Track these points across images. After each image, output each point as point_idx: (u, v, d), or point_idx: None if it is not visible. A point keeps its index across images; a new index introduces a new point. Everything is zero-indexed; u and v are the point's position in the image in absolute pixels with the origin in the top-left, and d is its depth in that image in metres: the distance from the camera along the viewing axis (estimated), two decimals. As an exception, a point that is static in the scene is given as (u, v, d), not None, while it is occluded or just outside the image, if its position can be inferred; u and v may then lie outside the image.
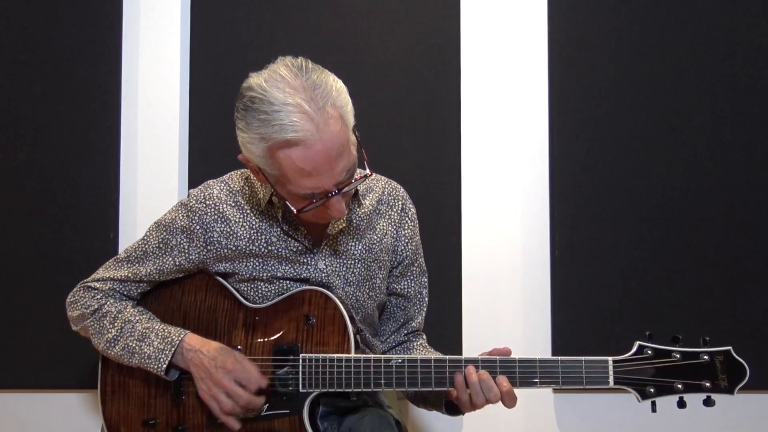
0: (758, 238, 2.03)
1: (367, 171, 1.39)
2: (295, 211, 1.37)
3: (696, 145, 2.05)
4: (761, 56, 2.05)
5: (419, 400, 1.60)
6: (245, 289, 1.53)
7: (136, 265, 1.55)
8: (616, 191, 2.05)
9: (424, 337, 1.69)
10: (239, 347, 1.48)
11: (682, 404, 1.34)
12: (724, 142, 2.04)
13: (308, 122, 1.27)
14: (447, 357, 1.40)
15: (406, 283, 1.64)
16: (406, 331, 1.65)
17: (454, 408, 1.47)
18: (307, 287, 1.49)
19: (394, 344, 1.65)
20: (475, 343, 2.04)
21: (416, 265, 1.66)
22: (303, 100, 1.27)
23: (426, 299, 1.67)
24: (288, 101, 1.27)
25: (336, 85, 1.33)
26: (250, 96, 1.30)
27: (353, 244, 1.55)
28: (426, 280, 1.68)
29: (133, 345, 1.48)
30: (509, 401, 1.37)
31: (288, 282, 1.51)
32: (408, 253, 1.63)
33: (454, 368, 1.38)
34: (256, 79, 1.32)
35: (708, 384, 1.32)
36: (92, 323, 1.53)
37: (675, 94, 2.06)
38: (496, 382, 1.36)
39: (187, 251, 1.52)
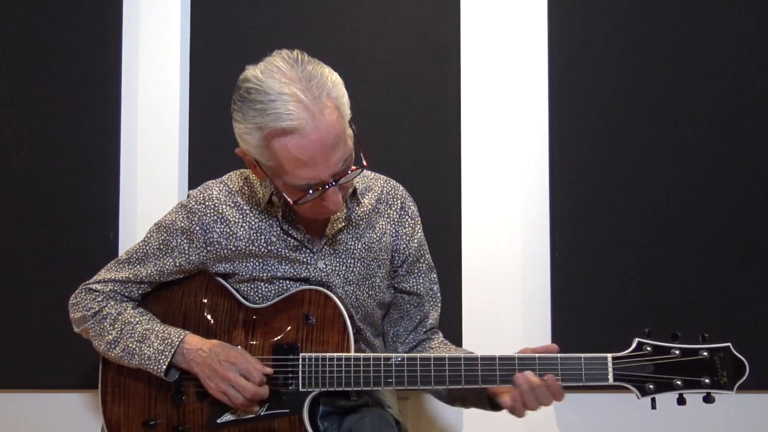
0: (758, 237, 2.03)
1: (364, 163, 1.39)
2: (291, 201, 1.37)
3: (696, 144, 2.05)
4: (762, 56, 2.05)
5: (455, 399, 1.57)
6: (245, 289, 1.53)
7: (137, 266, 1.55)
8: (616, 191, 2.05)
9: (440, 333, 1.68)
10: (239, 347, 1.47)
11: (681, 401, 1.33)
12: (725, 141, 2.04)
13: (304, 111, 1.27)
14: (462, 355, 1.38)
15: (414, 280, 1.64)
16: (424, 329, 1.64)
17: (497, 404, 1.44)
18: (307, 287, 1.49)
19: (414, 344, 1.64)
20: (475, 342, 2.04)
21: (422, 261, 1.65)
22: (299, 89, 1.28)
23: (438, 295, 1.67)
24: (284, 91, 1.28)
25: (332, 77, 1.34)
26: (247, 87, 1.31)
27: (353, 243, 1.55)
28: (435, 276, 1.68)
29: (133, 346, 1.48)
30: (560, 396, 1.36)
31: (288, 282, 1.51)
32: (411, 250, 1.63)
33: (454, 367, 1.38)
34: (252, 71, 1.33)
35: (708, 380, 1.31)
36: (93, 325, 1.54)
37: (675, 94, 2.06)
38: (546, 382, 1.34)
39: (187, 252, 1.53)
